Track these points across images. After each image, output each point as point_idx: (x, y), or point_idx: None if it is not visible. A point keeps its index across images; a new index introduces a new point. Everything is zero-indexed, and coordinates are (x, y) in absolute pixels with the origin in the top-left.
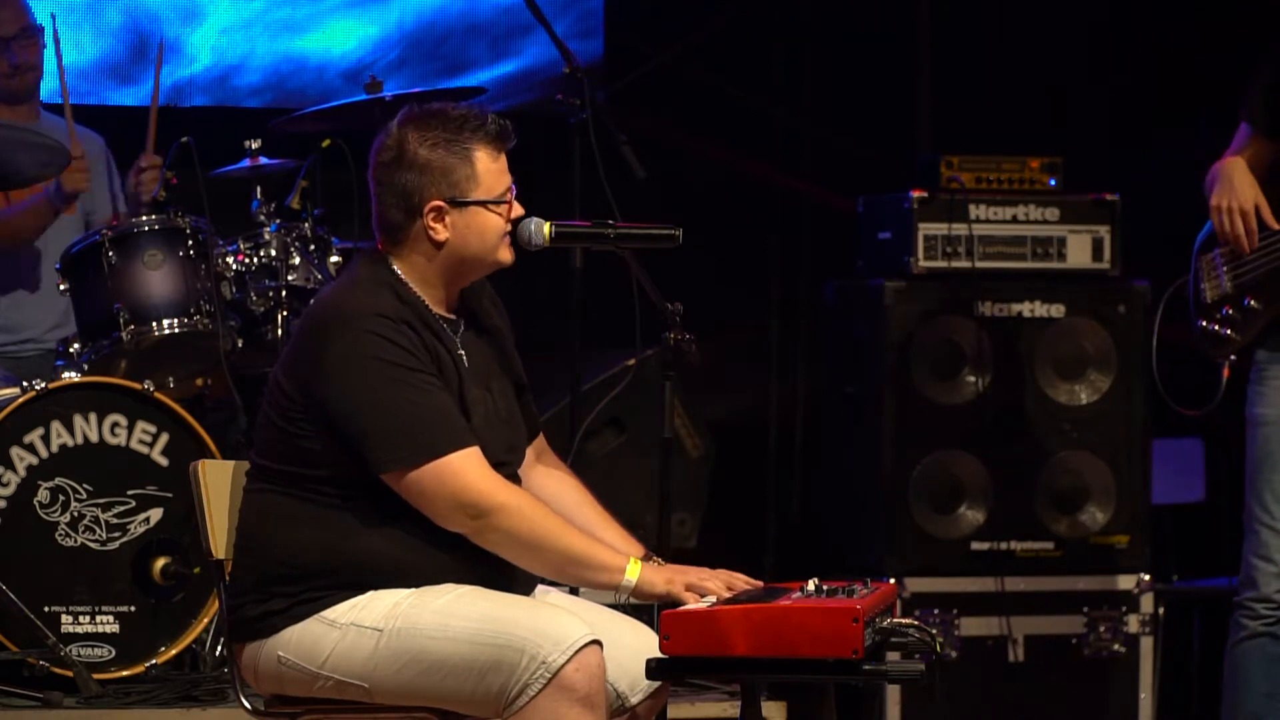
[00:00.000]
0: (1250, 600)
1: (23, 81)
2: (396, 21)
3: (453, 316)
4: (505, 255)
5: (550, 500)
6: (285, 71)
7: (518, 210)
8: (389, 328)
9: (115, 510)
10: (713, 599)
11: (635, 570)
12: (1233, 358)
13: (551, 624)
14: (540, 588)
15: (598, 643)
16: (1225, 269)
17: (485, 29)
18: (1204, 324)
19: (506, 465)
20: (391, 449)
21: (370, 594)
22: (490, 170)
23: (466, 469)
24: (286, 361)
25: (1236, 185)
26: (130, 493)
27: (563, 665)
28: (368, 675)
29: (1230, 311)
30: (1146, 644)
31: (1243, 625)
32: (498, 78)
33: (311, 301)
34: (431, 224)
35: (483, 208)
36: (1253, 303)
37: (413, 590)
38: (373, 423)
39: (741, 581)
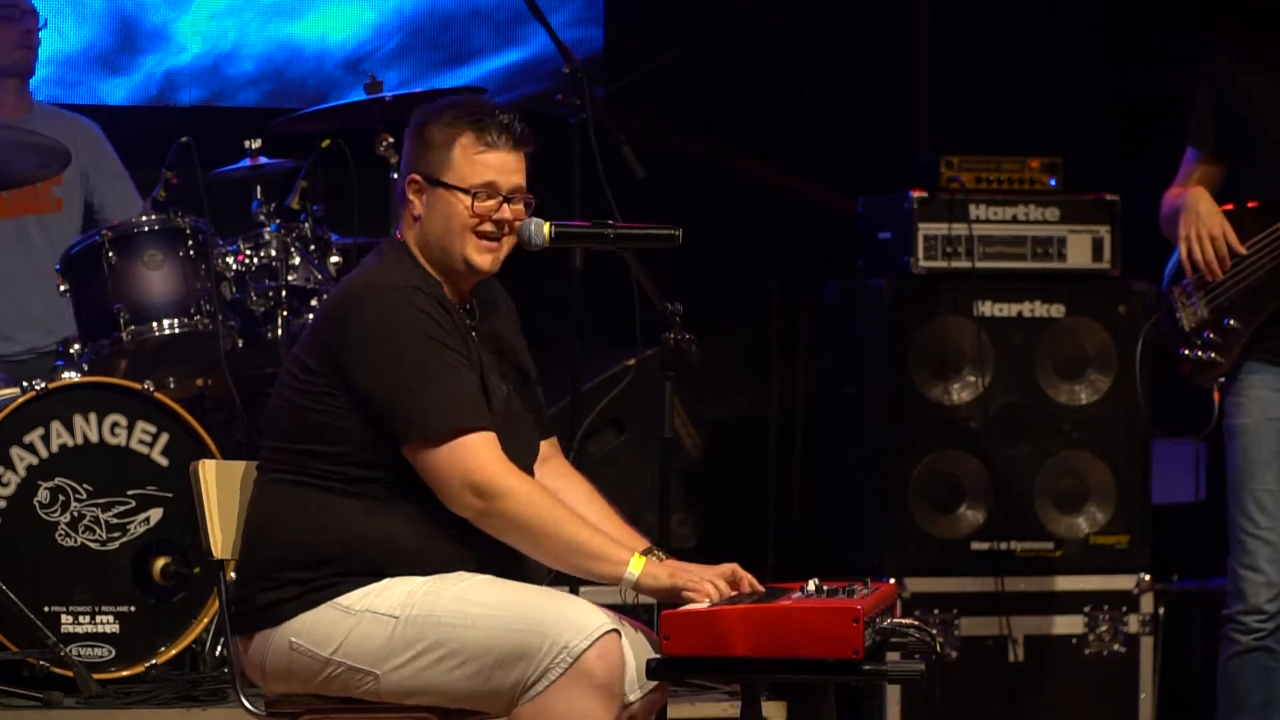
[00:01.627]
0: (1240, 614)
1: (25, 57)
2: (395, 7)
3: (466, 307)
4: (475, 256)
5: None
6: (281, 61)
7: (505, 214)
8: (424, 300)
9: (115, 510)
10: (714, 599)
11: (638, 565)
12: (1221, 380)
13: (573, 610)
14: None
15: (618, 631)
16: (1199, 295)
17: (488, 15)
18: (1186, 352)
19: (517, 461)
20: (416, 420)
21: (385, 581)
22: (469, 159)
23: (481, 450)
24: (309, 340)
25: (1203, 214)
26: (130, 493)
27: (585, 650)
28: (379, 663)
29: (1211, 335)
30: (1146, 644)
31: (1234, 640)
32: (503, 68)
33: (339, 281)
34: (411, 195)
35: (447, 191)
36: (1232, 322)
37: (428, 578)
38: (397, 396)
39: (745, 578)
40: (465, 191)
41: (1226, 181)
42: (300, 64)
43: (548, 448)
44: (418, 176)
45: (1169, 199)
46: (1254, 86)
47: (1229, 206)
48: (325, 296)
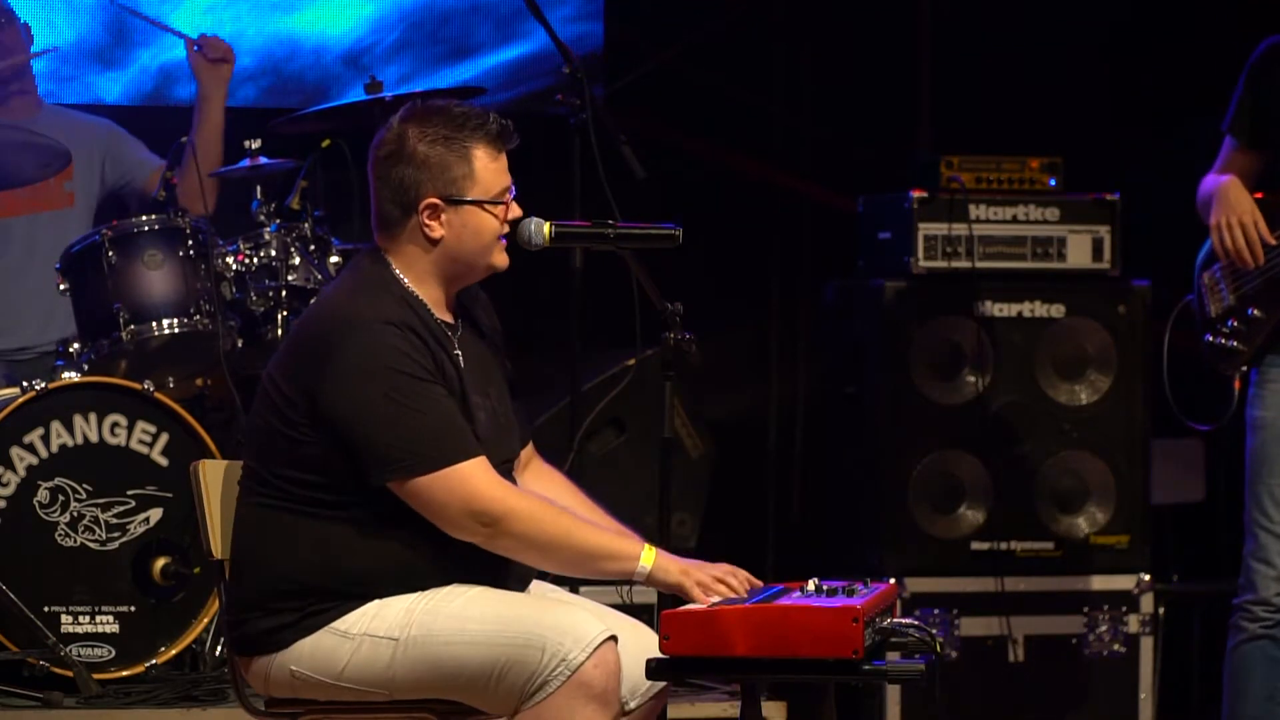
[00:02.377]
0: (1249, 604)
1: (12, 66)
2: (394, 1)
3: (450, 319)
4: (500, 259)
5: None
6: (280, 56)
7: (515, 211)
8: (396, 335)
9: (115, 510)
10: (715, 599)
11: (650, 556)
12: (1243, 369)
13: (569, 621)
14: (536, 584)
15: (614, 639)
16: (1226, 283)
17: (489, 9)
18: (1211, 338)
19: (506, 464)
20: (398, 459)
21: (378, 602)
22: (489, 169)
23: (474, 476)
24: (286, 365)
25: (1234, 202)
26: (130, 493)
27: (583, 662)
28: (387, 683)
29: (1235, 323)
30: (1146, 644)
31: (1242, 628)
32: (505, 63)
33: (312, 303)
34: (427, 221)
35: (478, 207)
36: (1256, 312)
37: (421, 594)
38: (380, 433)
39: (743, 575)
40: (494, 203)
41: (1263, 170)
42: (299, 58)
43: (526, 450)
44: (435, 200)
45: (1204, 185)
46: None
47: (1260, 195)
48: (305, 310)
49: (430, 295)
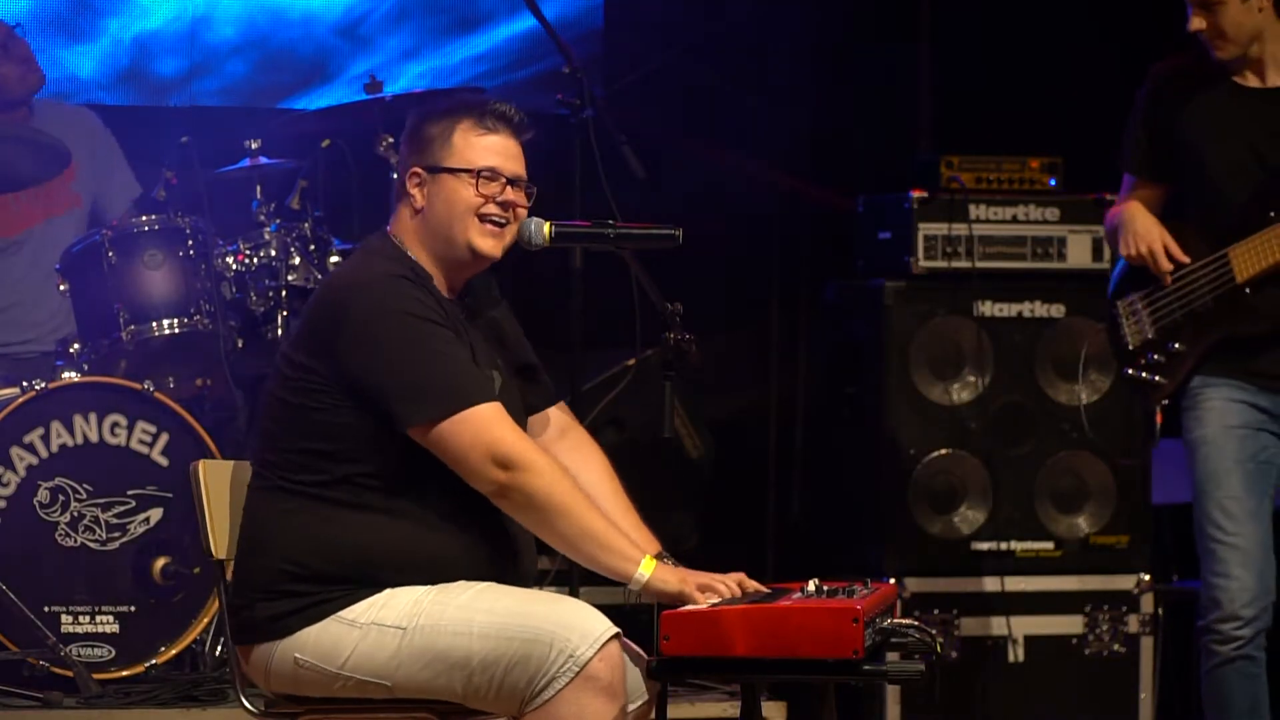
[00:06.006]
0: (1216, 623)
1: (26, 84)
2: None
3: (459, 299)
4: (480, 241)
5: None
6: (265, 26)
7: (510, 196)
8: (410, 287)
9: (115, 510)
10: (714, 599)
11: (650, 566)
12: (1165, 401)
13: (575, 617)
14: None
15: (619, 634)
16: (1145, 313)
17: None
18: (1131, 371)
19: None
20: (421, 401)
21: (388, 592)
22: (469, 143)
23: (497, 422)
24: (301, 336)
25: (1140, 231)
26: (130, 493)
27: (590, 658)
28: (390, 674)
29: (1156, 357)
30: (1146, 644)
31: (1214, 652)
32: (514, 36)
33: (322, 280)
34: (411, 190)
35: (451, 175)
36: (1177, 346)
37: (431, 587)
38: (400, 377)
39: (752, 586)
40: (469, 173)
41: (1167, 200)
42: (286, 30)
43: (562, 416)
44: (419, 169)
45: (1109, 217)
46: (1193, 114)
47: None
48: (313, 292)
49: (432, 270)
